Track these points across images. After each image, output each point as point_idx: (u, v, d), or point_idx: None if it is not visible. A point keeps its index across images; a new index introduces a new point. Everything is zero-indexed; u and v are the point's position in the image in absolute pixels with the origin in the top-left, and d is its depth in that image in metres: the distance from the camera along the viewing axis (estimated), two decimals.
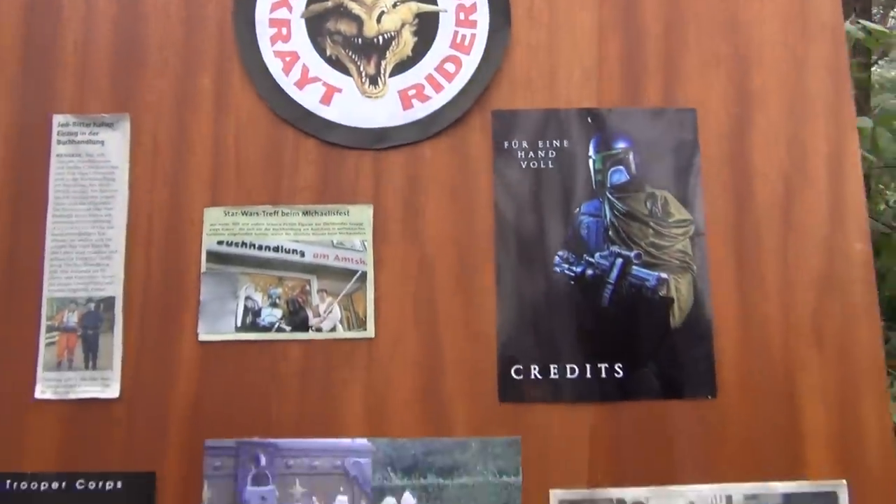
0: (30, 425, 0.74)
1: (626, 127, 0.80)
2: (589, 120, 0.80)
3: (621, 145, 0.79)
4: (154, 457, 0.74)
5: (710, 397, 0.76)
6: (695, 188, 0.79)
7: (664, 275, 0.78)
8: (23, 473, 0.73)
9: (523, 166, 0.79)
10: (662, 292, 0.78)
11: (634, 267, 0.78)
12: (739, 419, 0.76)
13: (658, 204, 0.79)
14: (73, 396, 0.75)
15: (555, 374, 0.76)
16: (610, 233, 0.78)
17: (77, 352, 0.75)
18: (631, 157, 0.80)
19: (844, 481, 0.75)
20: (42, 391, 0.75)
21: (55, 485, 0.73)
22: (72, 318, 0.75)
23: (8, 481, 0.73)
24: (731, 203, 0.79)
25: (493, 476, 0.75)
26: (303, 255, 0.77)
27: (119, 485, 0.73)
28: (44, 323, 0.76)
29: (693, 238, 0.78)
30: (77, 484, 0.73)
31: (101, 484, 0.73)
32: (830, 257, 0.79)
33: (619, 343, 0.77)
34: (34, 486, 0.73)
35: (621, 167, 0.79)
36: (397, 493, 0.74)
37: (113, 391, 0.75)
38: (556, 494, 0.75)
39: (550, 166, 0.79)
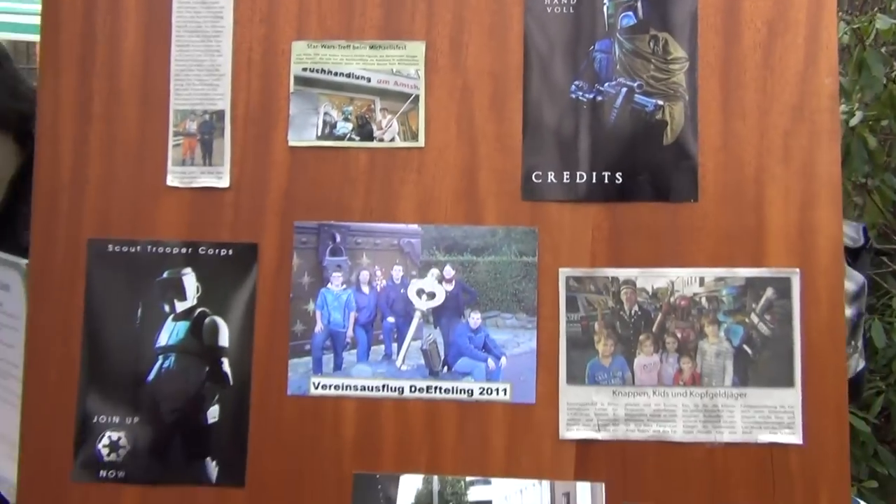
0: (163, 206, 0.98)
1: None
2: None
3: None
4: (256, 232, 0.97)
5: (692, 201, 0.95)
6: (692, 32, 0.96)
7: (661, 102, 0.95)
8: (159, 240, 0.98)
9: (549, 11, 0.97)
10: (658, 116, 0.95)
11: (636, 95, 0.96)
12: (715, 219, 0.95)
13: (659, 44, 0.96)
14: (194, 185, 0.98)
15: (567, 179, 0.95)
16: (618, 67, 0.96)
17: (196, 152, 0.97)
18: (639, 4, 0.96)
19: (798, 269, 0.93)
20: (171, 180, 0.98)
21: (183, 250, 0.97)
22: (192, 126, 0.98)
23: (149, 246, 0.97)
24: (721, 44, 0.95)
25: (514, 256, 0.95)
26: (369, 80, 0.97)
27: (230, 252, 0.97)
28: (171, 129, 0.98)
29: (687, 73, 0.95)
30: (199, 249, 0.97)
31: (217, 251, 0.97)
32: (802, 90, 0.95)
33: (621, 156, 0.95)
34: (168, 250, 0.97)
35: (630, 12, 0.96)
36: (440, 265, 0.96)
37: (224, 182, 0.97)
38: (564, 272, 0.95)
39: (571, 11, 0.96)
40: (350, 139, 0.97)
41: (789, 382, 0.93)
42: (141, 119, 0.99)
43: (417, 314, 0.96)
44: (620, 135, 0.96)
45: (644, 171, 0.95)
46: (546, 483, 0.94)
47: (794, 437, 0.92)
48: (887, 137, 3.03)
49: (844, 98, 2.73)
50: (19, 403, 0.98)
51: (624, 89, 0.96)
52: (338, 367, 0.96)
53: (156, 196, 0.98)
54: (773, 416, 0.93)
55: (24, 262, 1.01)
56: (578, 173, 0.95)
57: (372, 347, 0.96)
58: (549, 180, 0.96)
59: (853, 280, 1.55)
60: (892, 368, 3.01)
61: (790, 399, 0.93)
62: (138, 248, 0.97)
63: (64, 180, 0.99)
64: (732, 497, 0.93)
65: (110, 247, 0.98)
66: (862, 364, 1.60)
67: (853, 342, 1.58)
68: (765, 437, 0.92)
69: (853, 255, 1.70)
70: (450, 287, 0.96)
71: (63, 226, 0.98)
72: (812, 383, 0.93)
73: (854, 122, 2.69)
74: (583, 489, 0.94)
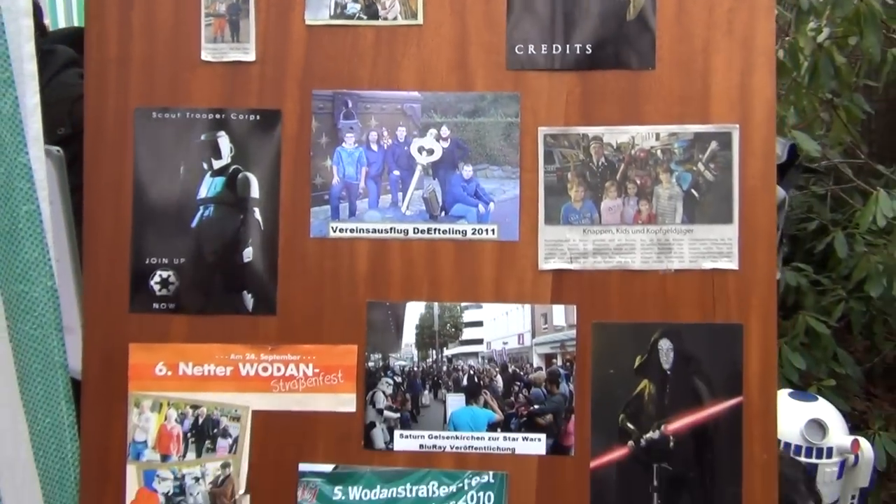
0: (199, 78, 1.14)
1: None
2: None
3: None
4: (279, 100, 1.14)
5: (650, 69, 1.12)
6: None
7: None
8: (196, 108, 1.14)
9: None
10: None
11: None
12: (669, 83, 1.12)
13: None
14: (225, 60, 1.13)
15: (545, 51, 1.12)
16: None
17: (226, 30, 1.13)
18: None
19: (737, 125, 1.11)
20: (205, 55, 1.13)
21: (217, 116, 1.13)
22: (221, 8, 1.13)
23: (188, 113, 1.14)
24: None
25: (500, 117, 1.13)
26: None
27: (258, 117, 1.13)
28: (203, 11, 1.13)
29: None
30: (231, 115, 1.13)
31: (246, 116, 1.13)
32: None
33: (591, 31, 1.12)
34: (204, 116, 1.14)
35: None
36: (437, 126, 1.13)
37: (251, 56, 1.13)
38: (542, 130, 1.13)
39: None
40: (358, 18, 1.13)
41: (728, 219, 1.12)
42: (176, 3, 1.14)
43: (419, 168, 1.13)
44: (591, 12, 1.12)
45: (610, 43, 1.12)
46: (528, 306, 1.13)
47: (731, 264, 1.12)
48: (857, 59, 3.18)
49: (815, 16, 2.87)
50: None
51: None
52: (352, 213, 1.14)
53: (192, 69, 1.14)
54: (714, 248, 1.12)
55: (55, 148, 1.15)
56: (555, 45, 1.12)
57: (381, 196, 1.14)
58: (530, 52, 1.12)
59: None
60: (851, 278, 3.23)
61: (729, 233, 1.12)
62: (178, 114, 1.14)
63: (111, 57, 1.14)
64: (681, 314, 1.12)
65: (154, 114, 1.14)
66: (778, 275, 1.79)
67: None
68: (707, 265, 1.12)
69: (779, 172, 1.88)
70: (446, 144, 1.13)
71: (112, 97, 1.14)
72: (747, 220, 1.11)
73: (821, 38, 2.84)
74: (558, 310, 1.13)
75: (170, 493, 1.13)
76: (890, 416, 3.56)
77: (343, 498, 1.13)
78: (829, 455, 2.62)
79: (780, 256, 1.92)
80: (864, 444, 2.72)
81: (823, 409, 2.72)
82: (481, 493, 1.12)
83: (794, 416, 2.34)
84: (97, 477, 1.13)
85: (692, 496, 1.12)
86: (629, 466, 1.12)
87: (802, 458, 2.23)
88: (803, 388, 3.09)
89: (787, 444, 2.25)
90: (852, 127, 3.14)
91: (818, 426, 2.62)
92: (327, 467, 1.13)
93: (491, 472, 1.12)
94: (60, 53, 1.50)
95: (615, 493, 1.12)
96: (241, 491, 1.13)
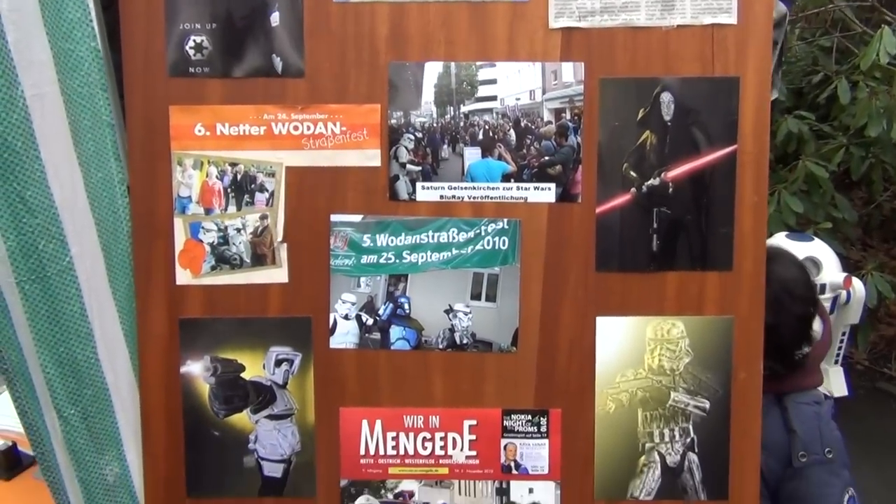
0: None
1: None
2: None
3: None
4: None
5: None
6: None
7: None
8: None
9: None
10: None
11: None
12: None
13: None
14: None
15: None
16: None
17: None
18: None
19: None
20: None
21: None
22: None
23: None
24: None
25: None
26: None
27: None
28: None
29: None
30: None
31: None
32: None
33: None
34: None
35: None
36: None
37: None
38: None
39: None
40: None
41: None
42: None
43: None
44: None
45: None
46: (539, 64, 1.21)
47: (730, 19, 1.19)
48: None
49: None
50: None
51: None
52: None
53: None
54: (714, 3, 1.19)
55: None
56: None
57: None
58: None
59: (775, 10, 1.78)
60: (852, 125, 3.28)
61: None
62: None
63: None
64: (682, 69, 1.20)
65: None
66: (774, 94, 1.83)
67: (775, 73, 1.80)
68: (707, 20, 1.19)
69: None
70: None
71: None
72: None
73: None
74: (567, 67, 1.21)
75: (214, 243, 1.25)
76: (884, 263, 3.70)
77: (371, 245, 1.25)
78: (823, 291, 2.76)
79: (777, 76, 1.96)
80: (857, 282, 2.86)
81: (818, 248, 2.84)
82: (496, 238, 1.24)
83: None
84: (147, 229, 1.24)
85: (688, 236, 1.23)
86: (631, 211, 1.23)
87: None
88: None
89: None
90: None
91: (812, 263, 2.75)
92: (356, 217, 1.24)
93: (505, 220, 1.24)
94: None
95: (618, 235, 1.23)
96: (279, 240, 1.24)
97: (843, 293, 2.82)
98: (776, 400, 1.41)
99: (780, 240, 2.73)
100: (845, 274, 2.82)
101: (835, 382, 2.75)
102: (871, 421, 3.12)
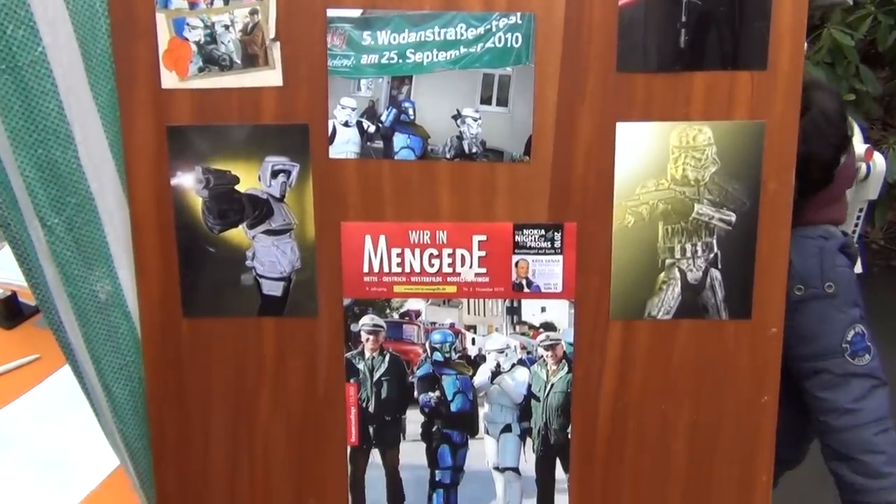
0: None
1: None
2: None
3: None
4: None
5: None
6: None
7: None
8: None
9: None
10: None
11: None
12: None
13: None
14: None
15: None
16: None
17: None
18: None
19: None
20: None
21: None
22: None
23: None
24: None
25: None
26: None
27: None
28: None
29: None
30: None
31: None
32: None
33: None
34: None
35: None
36: None
37: None
38: None
39: None
40: None
41: None
42: None
43: None
44: None
45: None
46: None
47: None
48: None
49: None
50: None
51: None
52: None
53: None
54: None
55: None
56: None
57: None
58: None
59: None
60: None
61: None
62: None
63: None
64: None
65: None
66: None
67: None
68: None
69: None
70: None
71: None
72: None
73: None
74: None
75: (201, 42, 1.14)
76: None
77: (372, 43, 1.14)
78: None
79: None
80: (878, 156, 2.75)
81: None
82: (509, 35, 1.13)
83: None
84: (128, 25, 1.14)
85: (719, 30, 1.12)
86: (658, 2, 1.11)
87: None
88: None
89: None
90: None
91: None
92: (355, 12, 1.13)
93: (518, 13, 1.12)
94: None
95: (642, 30, 1.12)
96: (271, 37, 1.14)
97: (863, 166, 2.72)
98: None
99: None
100: (867, 145, 2.72)
101: None
102: (886, 297, 3.08)
